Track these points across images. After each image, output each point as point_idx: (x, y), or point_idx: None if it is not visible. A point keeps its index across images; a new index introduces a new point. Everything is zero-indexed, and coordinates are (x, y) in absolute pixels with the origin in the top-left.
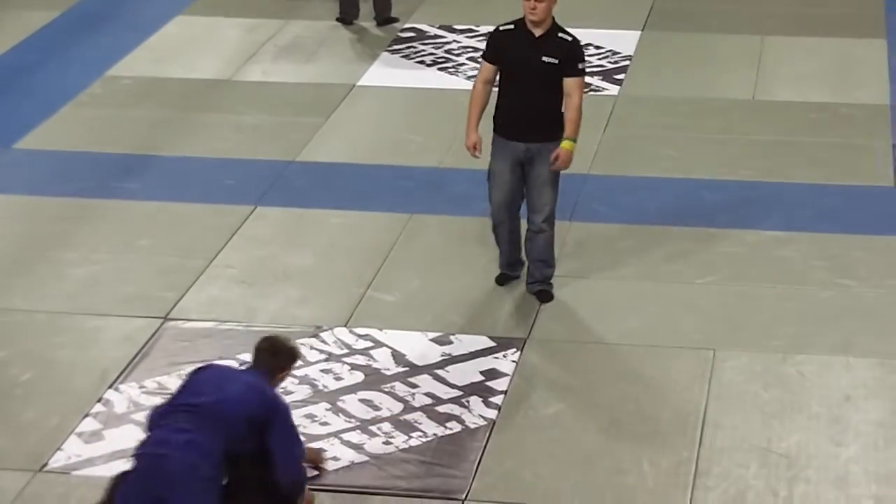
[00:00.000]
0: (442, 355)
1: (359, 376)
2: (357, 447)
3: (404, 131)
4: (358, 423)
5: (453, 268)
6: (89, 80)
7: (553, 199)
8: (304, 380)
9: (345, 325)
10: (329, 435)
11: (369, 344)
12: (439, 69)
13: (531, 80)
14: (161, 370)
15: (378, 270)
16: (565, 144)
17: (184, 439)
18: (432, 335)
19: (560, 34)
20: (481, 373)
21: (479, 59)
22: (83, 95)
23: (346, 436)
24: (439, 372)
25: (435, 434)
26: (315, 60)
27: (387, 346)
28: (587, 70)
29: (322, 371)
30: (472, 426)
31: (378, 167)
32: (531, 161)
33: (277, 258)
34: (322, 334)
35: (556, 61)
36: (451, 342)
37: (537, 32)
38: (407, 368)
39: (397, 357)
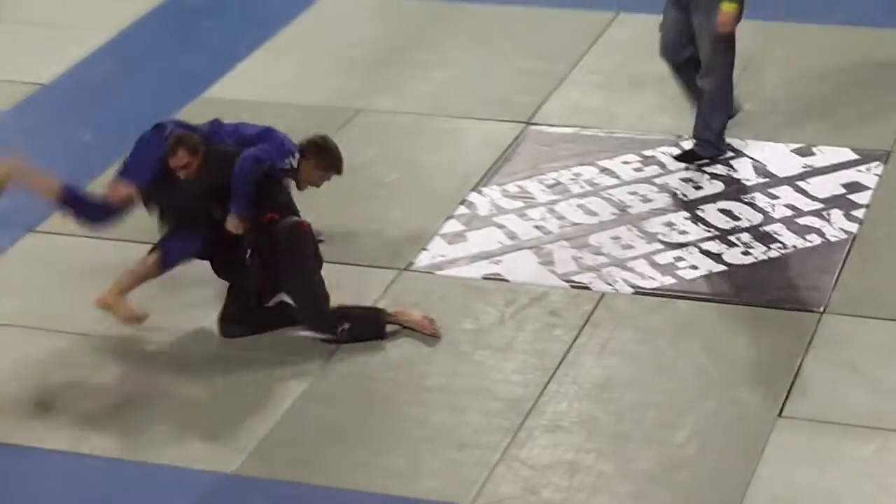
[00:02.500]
0: (803, 166)
1: (719, 186)
2: (715, 256)
3: None
4: (717, 233)
5: (814, 77)
6: None
7: (711, 56)
8: (663, 188)
9: None
10: (688, 244)
11: (730, 154)
12: None
13: None
14: (523, 174)
15: (739, 79)
16: (725, 6)
17: None
18: (794, 146)
19: None
20: (843, 185)
21: None
22: None
23: (704, 245)
24: (800, 183)
25: (794, 246)
26: None
27: (747, 156)
28: None
29: (682, 180)
30: (833, 239)
31: None
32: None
33: (638, 64)
34: (682, 143)
35: None
36: (812, 154)
37: None
38: (767, 179)
39: (758, 167)
